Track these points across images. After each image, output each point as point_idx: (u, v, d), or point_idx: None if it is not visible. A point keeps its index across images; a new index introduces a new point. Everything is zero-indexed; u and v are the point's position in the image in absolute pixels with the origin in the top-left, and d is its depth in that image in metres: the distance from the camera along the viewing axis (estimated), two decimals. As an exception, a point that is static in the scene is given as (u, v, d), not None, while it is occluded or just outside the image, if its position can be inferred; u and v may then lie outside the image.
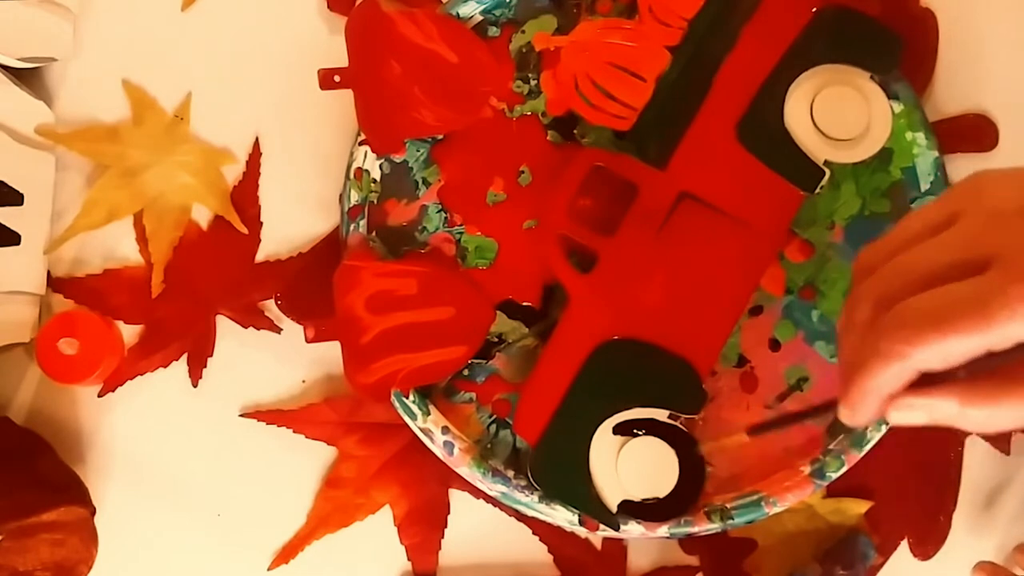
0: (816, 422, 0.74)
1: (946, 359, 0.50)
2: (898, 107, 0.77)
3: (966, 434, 0.79)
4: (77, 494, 0.78)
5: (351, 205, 0.79)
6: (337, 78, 0.78)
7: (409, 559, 0.80)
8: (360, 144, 0.79)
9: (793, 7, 0.77)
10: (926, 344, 0.50)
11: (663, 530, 0.75)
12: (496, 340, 0.79)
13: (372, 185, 0.79)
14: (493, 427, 0.78)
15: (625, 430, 0.73)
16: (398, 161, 0.80)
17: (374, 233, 0.80)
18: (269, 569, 0.80)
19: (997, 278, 0.49)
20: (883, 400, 0.53)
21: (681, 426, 0.74)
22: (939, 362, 0.50)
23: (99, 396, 0.81)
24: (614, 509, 0.73)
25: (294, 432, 0.80)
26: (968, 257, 0.50)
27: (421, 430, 0.77)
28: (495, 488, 0.76)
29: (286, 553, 0.80)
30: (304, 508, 0.81)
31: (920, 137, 0.77)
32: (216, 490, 0.81)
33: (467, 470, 0.76)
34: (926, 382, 0.52)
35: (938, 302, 0.50)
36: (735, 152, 0.76)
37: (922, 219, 0.54)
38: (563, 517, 0.76)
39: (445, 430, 0.76)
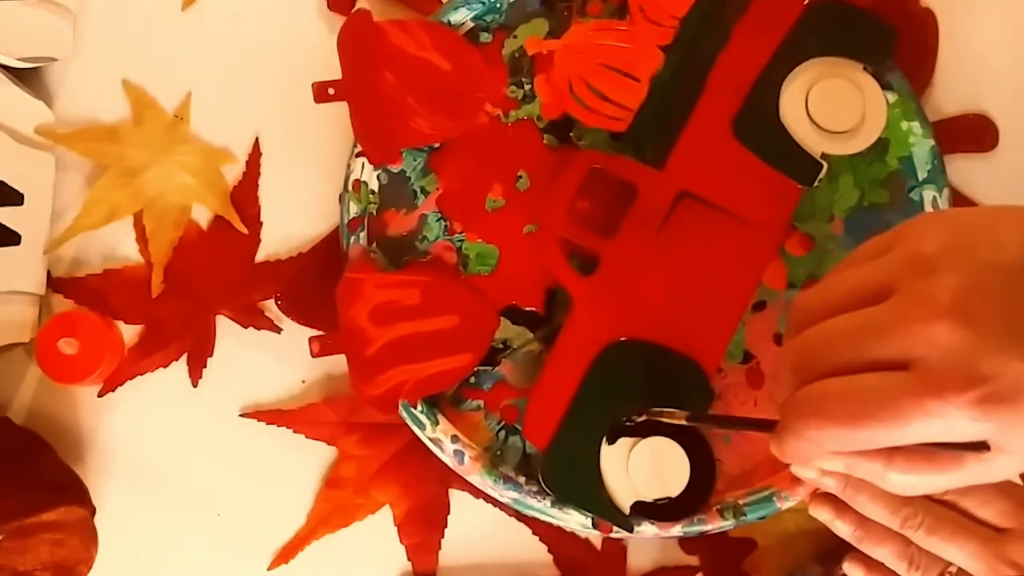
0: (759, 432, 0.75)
1: (854, 447, 0.50)
2: (892, 97, 0.77)
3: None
4: (77, 494, 0.78)
5: (350, 217, 0.79)
6: (331, 91, 0.78)
7: (409, 559, 0.80)
8: (357, 155, 0.79)
9: (784, 1, 0.77)
10: (838, 436, 0.50)
11: (676, 529, 0.75)
12: (501, 346, 0.79)
13: (371, 196, 0.79)
14: (502, 434, 0.78)
15: (634, 431, 0.73)
16: (395, 171, 0.80)
17: (375, 244, 0.80)
18: (269, 569, 0.80)
19: (917, 384, 0.48)
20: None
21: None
22: (848, 448, 0.50)
23: (99, 396, 0.81)
24: (627, 511, 0.73)
25: (294, 432, 0.81)
26: (892, 352, 0.50)
27: (430, 440, 0.76)
28: (507, 494, 0.76)
29: (286, 553, 0.80)
30: (304, 508, 0.81)
31: (916, 126, 0.77)
32: (216, 490, 0.81)
33: (478, 478, 0.76)
34: None
35: (856, 396, 0.50)
36: (732, 149, 0.76)
37: (856, 281, 0.53)
38: (576, 521, 0.76)
39: (455, 439, 0.76)
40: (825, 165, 0.76)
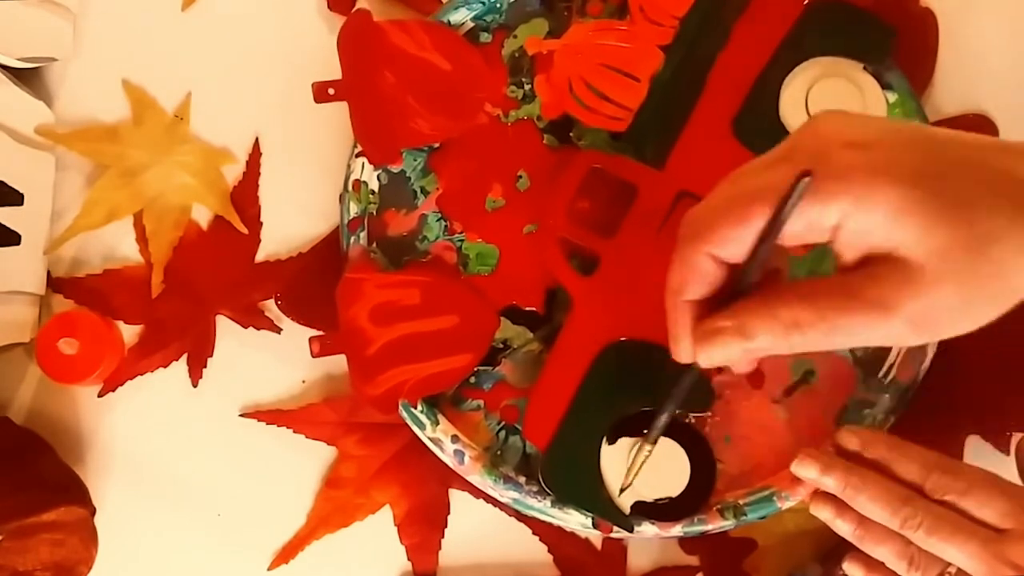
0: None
1: (743, 240, 0.51)
2: (892, 97, 0.77)
3: (966, 435, 0.79)
4: (77, 494, 0.78)
5: (351, 217, 0.79)
6: (331, 91, 0.78)
7: (409, 559, 0.80)
8: (357, 156, 0.79)
9: (784, 1, 0.77)
10: (717, 226, 0.51)
11: (677, 529, 0.75)
12: (501, 346, 0.79)
13: (371, 196, 0.79)
14: (502, 434, 0.78)
15: (634, 431, 0.73)
16: (395, 171, 0.80)
17: (375, 244, 0.80)
18: (269, 569, 0.80)
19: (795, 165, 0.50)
20: (693, 322, 0.55)
21: (691, 424, 0.74)
22: (736, 246, 0.51)
23: (99, 396, 0.81)
24: (627, 511, 0.73)
25: (294, 432, 0.81)
26: (775, 158, 0.52)
27: (431, 440, 0.77)
28: (507, 494, 0.76)
29: (286, 553, 0.80)
30: (304, 508, 0.81)
31: (915, 125, 0.78)
32: (216, 490, 0.81)
33: (478, 478, 0.76)
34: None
35: (732, 191, 0.52)
36: (732, 148, 0.76)
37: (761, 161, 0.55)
38: (576, 521, 0.76)
39: (455, 439, 0.76)
40: (825, 164, 0.76)
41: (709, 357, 0.55)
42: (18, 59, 0.79)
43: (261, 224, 0.83)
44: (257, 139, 0.83)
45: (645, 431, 0.72)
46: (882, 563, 0.64)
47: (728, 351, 0.54)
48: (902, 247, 0.49)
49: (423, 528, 0.80)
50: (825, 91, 0.76)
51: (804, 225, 0.50)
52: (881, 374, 0.77)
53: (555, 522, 0.76)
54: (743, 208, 0.51)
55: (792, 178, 0.49)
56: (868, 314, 0.50)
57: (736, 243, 0.52)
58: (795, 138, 0.53)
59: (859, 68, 0.76)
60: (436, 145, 0.80)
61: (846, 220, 0.49)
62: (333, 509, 0.80)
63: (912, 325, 0.51)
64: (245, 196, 0.83)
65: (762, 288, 0.54)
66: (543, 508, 0.76)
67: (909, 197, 0.48)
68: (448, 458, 0.76)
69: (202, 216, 0.83)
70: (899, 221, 0.48)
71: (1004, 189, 0.49)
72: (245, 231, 0.82)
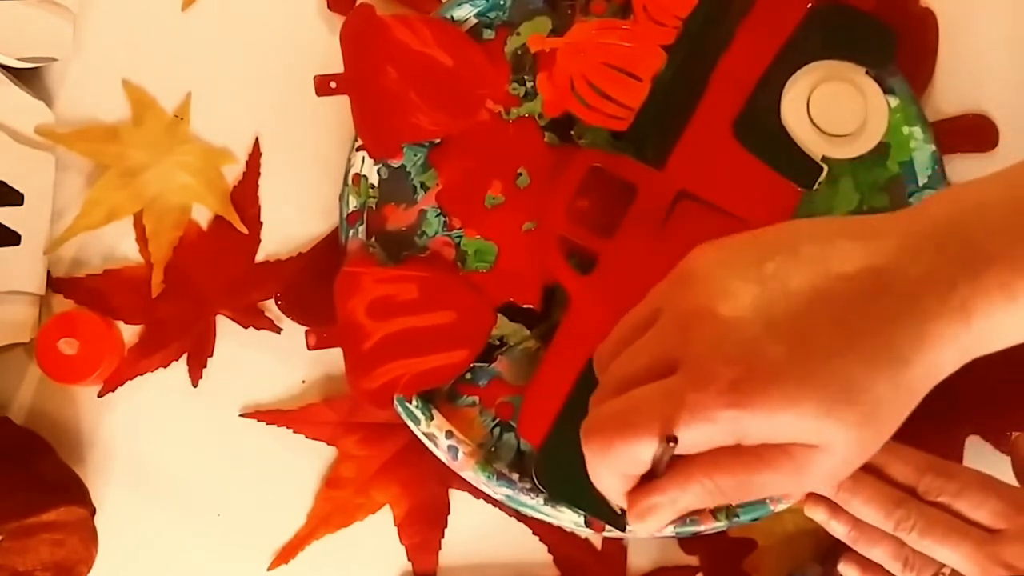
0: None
1: (642, 463, 0.50)
2: (894, 101, 0.77)
3: (966, 434, 0.79)
4: (77, 494, 0.78)
5: (350, 211, 0.79)
6: (333, 84, 0.78)
7: (409, 559, 0.80)
8: (357, 150, 0.79)
9: (788, 4, 0.77)
10: (613, 451, 0.50)
11: (669, 529, 0.75)
12: (498, 343, 0.79)
13: (370, 190, 0.79)
14: (497, 430, 0.78)
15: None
16: (396, 166, 0.80)
17: (373, 239, 0.80)
18: (269, 569, 0.80)
19: (679, 382, 0.49)
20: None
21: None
22: (637, 466, 0.51)
23: (99, 396, 0.81)
24: (619, 510, 0.73)
25: (294, 432, 0.81)
26: (656, 361, 0.51)
27: (425, 435, 0.77)
28: (500, 491, 0.76)
29: (286, 553, 0.80)
30: (304, 508, 0.81)
31: (917, 131, 0.78)
32: (216, 490, 0.81)
33: (472, 474, 0.76)
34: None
35: (620, 409, 0.51)
36: (732, 150, 0.76)
37: (631, 317, 0.55)
38: (569, 519, 0.76)
39: (449, 434, 0.76)
40: (825, 168, 0.76)
41: (648, 528, 0.54)
42: (18, 59, 0.79)
43: (261, 224, 0.83)
44: (257, 139, 0.83)
45: None
46: (878, 564, 0.64)
47: (664, 518, 0.53)
48: (805, 439, 0.49)
49: (423, 528, 0.80)
50: (827, 94, 0.76)
51: (706, 444, 0.50)
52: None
53: (548, 520, 0.77)
54: (626, 436, 0.50)
55: (662, 416, 0.49)
56: (786, 478, 0.50)
57: (634, 464, 0.51)
58: (671, 318, 0.52)
59: (861, 72, 0.77)
60: (437, 141, 0.80)
61: (745, 436, 0.49)
62: (333, 509, 0.80)
63: (828, 480, 0.51)
64: (245, 196, 0.83)
65: (681, 459, 0.52)
66: (536, 506, 0.76)
67: (797, 410, 0.48)
68: (442, 454, 0.76)
69: (202, 216, 0.83)
70: (796, 427, 0.48)
71: (858, 332, 0.48)
72: (245, 231, 0.82)
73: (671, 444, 0.49)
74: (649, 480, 0.52)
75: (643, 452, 0.50)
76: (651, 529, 0.54)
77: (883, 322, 0.48)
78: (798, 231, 0.52)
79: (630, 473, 0.52)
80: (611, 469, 0.52)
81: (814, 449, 0.49)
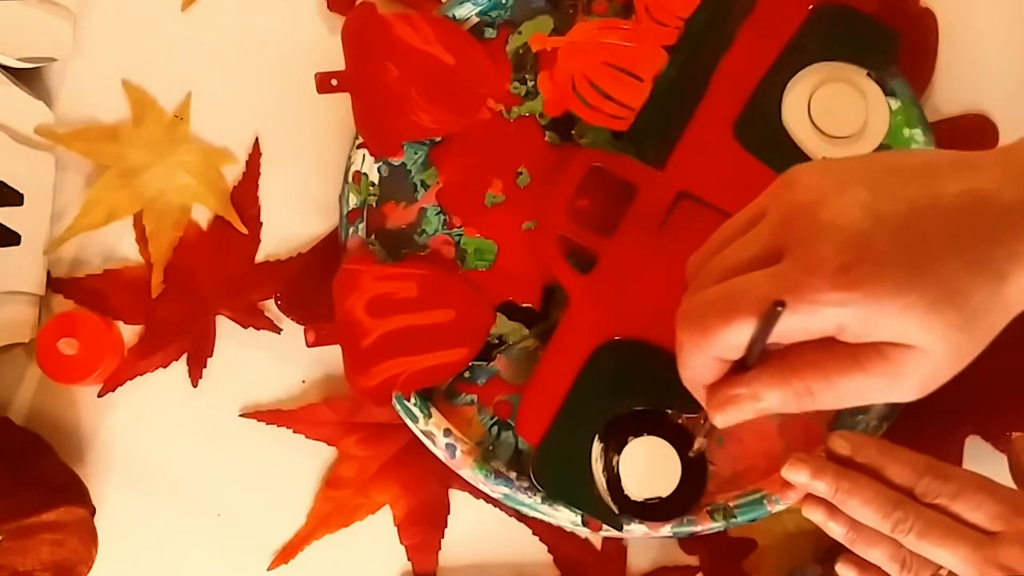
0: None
1: (738, 346, 0.51)
2: (895, 103, 0.77)
3: (965, 435, 0.79)
4: (77, 494, 0.78)
5: (350, 208, 0.79)
6: (334, 82, 0.78)
7: (409, 559, 0.80)
8: (358, 147, 0.79)
9: (790, 5, 0.77)
10: (711, 332, 0.52)
11: (666, 530, 0.75)
12: (497, 342, 0.79)
13: (371, 188, 0.79)
14: (495, 429, 0.78)
15: (626, 430, 0.73)
16: (396, 164, 0.80)
17: (373, 236, 0.80)
18: (269, 569, 0.80)
19: (786, 267, 0.50)
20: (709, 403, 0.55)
21: (683, 424, 0.74)
22: (733, 350, 0.52)
23: (99, 396, 0.81)
24: (617, 509, 0.73)
25: (294, 432, 0.81)
26: (763, 251, 0.52)
27: (423, 433, 0.77)
28: (498, 490, 0.76)
29: (286, 553, 0.80)
30: (304, 508, 0.81)
31: (917, 133, 0.77)
32: (216, 490, 0.81)
33: (469, 472, 0.76)
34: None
35: (723, 292, 0.52)
36: (733, 151, 0.76)
37: (735, 221, 0.56)
38: (566, 518, 0.76)
39: (447, 432, 0.76)
40: (826, 170, 0.76)
41: (724, 420, 0.56)
42: (18, 59, 0.79)
43: (261, 224, 0.83)
44: (257, 139, 0.83)
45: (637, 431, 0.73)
46: (876, 565, 0.65)
47: (742, 414, 0.55)
48: (904, 339, 0.50)
49: (423, 528, 0.80)
50: (828, 96, 0.76)
51: (803, 332, 0.51)
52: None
53: (545, 519, 0.77)
54: (727, 317, 0.51)
55: (769, 297, 0.50)
56: (878, 382, 0.52)
57: (730, 348, 0.52)
58: (779, 213, 0.53)
59: (863, 74, 0.77)
60: (437, 139, 0.80)
61: (845, 327, 0.51)
62: (333, 509, 0.80)
63: (919, 389, 0.52)
64: (245, 196, 0.83)
65: (772, 355, 0.54)
66: (533, 504, 0.76)
67: (903, 302, 0.49)
68: (440, 452, 0.76)
69: (202, 216, 0.83)
70: (899, 322, 0.50)
71: (961, 239, 0.50)
72: (245, 231, 0.82)
73: (778, 309, 0.49)
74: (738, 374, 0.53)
75: (741, 335, 0.51)
76: (727, 421, 0.55)
77: (985, 236, 0.50)
78: (899, 155, 0.55)
79: (725, 357, 0.53)
80: (706, 353, 0.53)
81: (911, 350, 0.50)
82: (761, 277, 0.51)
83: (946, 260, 0.50)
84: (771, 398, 0.54)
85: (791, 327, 0.50)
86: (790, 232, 0.51)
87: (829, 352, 0.52)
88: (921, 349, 0.50)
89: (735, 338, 0.51)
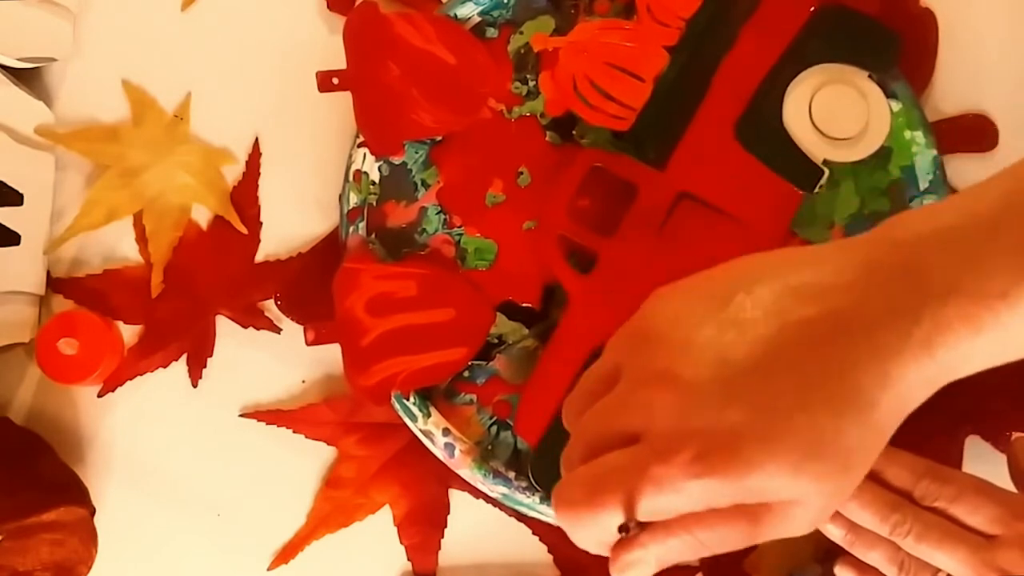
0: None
1: (610, 529, 0.50)
2: (896, 106, 0.77)
3: (965, 435, 0.79)
4: (77, 494, 0.78)
5: (350, 207, 0.79)
6: (335, 80, 0.78)
7: (409, 559, 0.80)
8: (359, 146, 0.79)
9: (791, 6, 0.77)
10: (584, 521, 0.50)
11: (663, 530, 0.75)
12: (496, 341, 0.79)
13: (371, 187, 0.79)
14: (494, 428, 0.78)
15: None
16: (397, 163, 0.80)
17: (373, 235, 0.80)
18: (269, 569, 0.80)
19: (644, 453, 0.49)
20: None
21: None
22: (604, 533, 0.50)
23: (99, 396, 0.81)
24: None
25: (294, 432, 0.81)
26: (621, 430, 0.50)
27: (422, 432, 0.77)
28: (496, 489, 0.76)
29: (286, 553, 0.80)
30: (304, 508, 0.81)
31: (919, 136, 0.77)
32: (216, 490, 0.81)
33: (468, 472, 0.76)
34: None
35: (587, 477, 0.51)
36: (734, 152, 0.76)
37: (595, 372, 0.54)
38: (564, 517, 0.76)
39: (446, 432, 0.76)
40: (826, 171, 0.76)
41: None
42: (18, 59, 0.79)
43: (261, 224, 0.83)
44: (257, 139, 0.83)
45: None
46: (874, 567, 0.65)
47: (647, 571, 0.52)
48: (779, 497, 0.48)
49: (423, 528, 0.80)
50: (829, 97, 0.76)
51: (674, 511, 0.49)
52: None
53: (544, 518, 0.77)
54: (593, 506, 0.50)
55: (629, 486, 0.49)
56: (768, 530, 0.49)
57: (603, 531, 0.51)
58: (631, 381, 0.51)
59: (864, 76, 0.77)
60: (438, 138, 0.80)
61: (716, 501, 0.48)
62: (333, 509, 0.80)
63: (810, 526, 0.50)
64: (245, 196, 0.83)
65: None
66: (532, 504, 0.76)
67: (767, 471, 0.47)
68: (439, 451, 0.77)
69: (202, 216, 0.83)
70: (769, 488, 0.48)
71: (822, 386, 0.48)
72: (245, 231, 0.82)
73: (632, 523, 0.49)
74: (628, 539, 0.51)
75: (611, 522, 0.49)
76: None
77: (844, 367, 0.47)
78: (752, 272, 0.51)
79: (603, 539, 0.51)
80: (586, 536, 0.51)
81: (792, 503, 0.48)
82: (620, 464, 0.50)
83: (804, 411, 0.47)
84: (668, 554, 0.51)
85: (660, 509, 0.49)
86: (642, 410, 0.50)
87: (715, 509, 0.50)
88: (799, 502, 0.48)
89: (605, 525, 0.50)
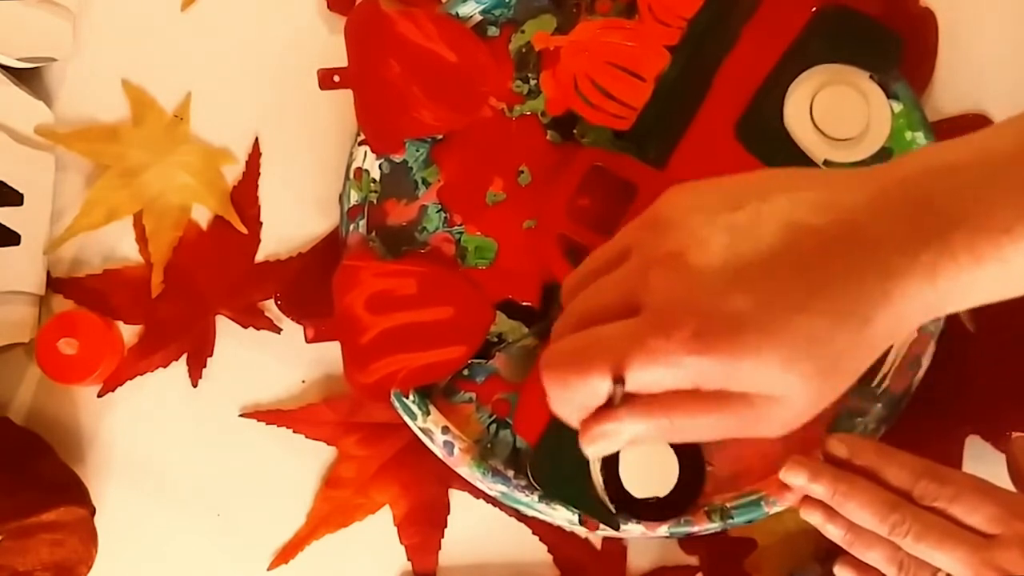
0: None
1: (598, 396, 0.51)
2: (897, 107, 0.77)
3: (965, 435, 0.79)
4: (77, 494, 0.78)
5: (351, 205, 0.79)
6: (337, 78, 0.78)
7: (409, 559, 0.80)
8: (360, 144, 0.79)
9: (793, 7, 0.77)
10: (568, 385, 0.51)
11: (663, 530, 0.75)
12: (496, 340, 0.79)
13: (372, 185, 0.80)
14: (493, 427, 0.78)
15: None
16: (398, 161, 0.80)
17: (374, 233, 0.80)
18: (269, 569, 0.80)
19: (640, 325, 0.50)
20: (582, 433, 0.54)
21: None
22: (594, 399, 0.51)
23: (99, 396, 0.81)
24: (614, 509, 0.73)
25: (294, 432, 0.81)
26: (621, 299, 0.51)
27: (421, 430, 0.77)
28: (495, 488, 0.76)
29: (286, 553, 0.80)
30: (304, 508, 0.81)
31: (920, 137, 0.77)
32: (216, 490, 0.81)
33: (467, 470, 0.76)
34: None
35: (580, 344, 0.52)
36: (734, 151, 0.76)
37: (603, 252, 0.55)
38: (563, 517, 0.76)
39: (445, 430, 0.76)
40: (826, 172, 0.76)
41: (595, 451, 0.55)
42: (18, 59, 0.79)
43: (261, 224, 0.83)
44: (257, 139, 0.83)
45: None
46: (873, 567, 0.65)
47: (612, 446, 0.54)
48: (762, 389, 0.50)
49: (423, 528, 0.80)
50: (830, 98, 0.76)
51: (660, 385, 0.50)
52: (874, 384, 0.76)
53: (542, 517, 0.77)
54: (583, 372, 0.51)
55: (623, 355, 0.49)
56: (740, 422, 0.51)
57: (590, 397, 0.52)
58: (639, 260, 0.52)
59: (865, 77, 0.77)
60: (439, 136, 0.80)
61: (702, 383, 0.50)
62: (333, 509, 0.80)
63: (781, 429, 0.51)
64: (245, 196, 0.83)
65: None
66: (531, 503, 0.76)
67: (758, 360, 0.48)
68: (438, 449, 0.77)
69: (202, 216, 0.83)
70: (755, 378, 0.49)
71: (824, 290, 0.49)
72: (245, 231, 0.82)
73: (619, 386, 0.50)
74: (606, 409, 0.52)
75: (598, 387, 0.50)
76: (598, 453, 0.55)
77: (848, 277, 0.48)
78: (771, 179, 0.53)
79: (587, 405, 0.52)
80: (568, 401, 0.52)
81: (772, 398, 0.49)
82: (617, 333, 0.51)
83: (804, 311, 0.48)
84: (638, 431, 0.52)
85: (647, 381, 0.50)
86: (648, 285, 0.50)
87: (694, 392, 0.51)
88: (780, 399, 0.49)
89: (592, 391, 0.51)
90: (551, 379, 0.52)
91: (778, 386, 0.49)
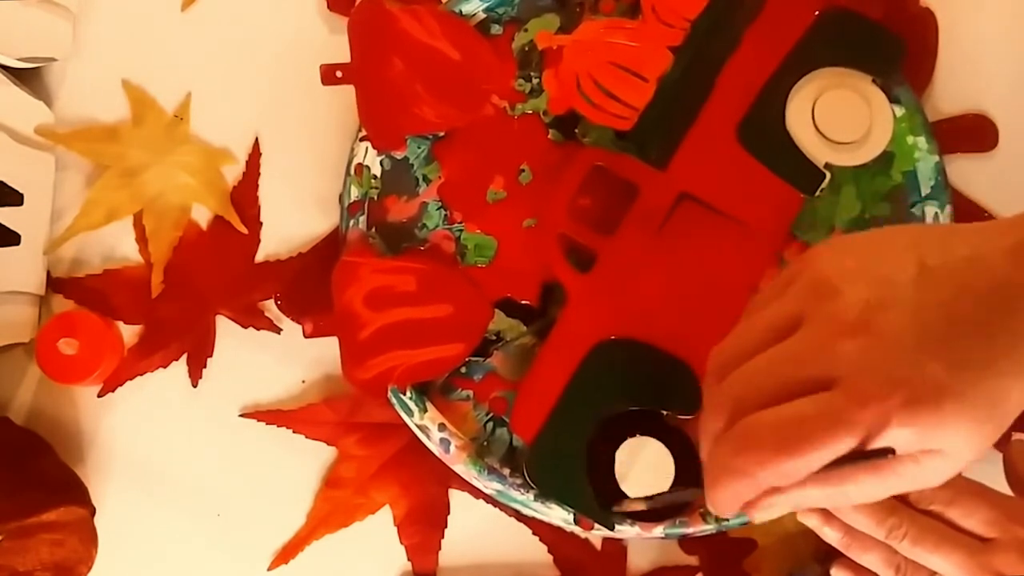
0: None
1: (792, 477, 0.50)
2: (900, 111, 0.77)
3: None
4: (77, 494, 0.78)
5: (351, 201, 0.79)
6: (339, 73, 0.78)
7: (409, 559, 0.80)
8: (361, 140, 0.79)
9: (796, 10, 0.77)
10: (774, 466, 0.50)
11: (658, 530, 0.75)
12: (494, 338, 0.79)
13: (372, 181, 0.80)
14: (490, 425, 0.79)
15: (621, 430, 0.73)
16: (399, 158, 0.80)
17: (374, 229, 0.80)
18: (269, 569, 0.80)
19: (841, 400, 0.49)
20: (743, 504, 0.53)
21: (678, 426, 0.74)
22: (785, 480, 0.51)
23: (99, 396, 0.81)
24: (608, 508, 0.73)
25: (294, 432, 0.80)
26: (813, 375, 0.50)
27: (418, 427, 0.77)
28: (491, 486, 0.76)
29: (286, 553, 0.80)
30: (304, 508, 0.81)
31: (921, 141, 0.77)
32: (216, 490, 0.81)
33: (463, 467, 0.76)
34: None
35: (785, 424, 0.50)
36: (736, 153, 0.76)
37: (767, 320, 0.54)
38: (559, 516, 0.76)
39: (442, 427, 0.76)
40: (828, 175, 0.76)
41: (762, 518, 0.55)
42: (18, 59, 0.79)
43: (261, 224, 0.83)
44: (257, 139, 0.83)
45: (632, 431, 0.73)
46: (871, 570, 0.65)
47: (776, 514, 0.54)
48: (939, 447, 0.50)
49: (423, 528, 0.80)
50: (832, 101, 0.76)
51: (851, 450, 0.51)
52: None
53: (538, 516, 0.77)
54: (788, 454, 0.50)
55: (833, 433, 0.49)
56: (904, 482, 0.51)
57: (781, 479, 0.51)
58: (820, 330, 0.51)
59: (868, 80, 0.77)
60: (441, 134, 0.80)
61: (893, 447, 0.50)
62: (333, 509, 0.80)
63: (942, 481, 0.51)
64: (245, 196, 0.83)
65: None
66: (526, 501, 0.76)
67: (956, 425, 0.49)
68: (434, 446, 0.77)
69: (202, 216, 0.83)
70: (945, 440, 0.49)
71: (997, 346, 0.49)
72: (245, 231, 0.82)
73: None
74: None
75: (799, 470, 0.50)
76: (766, 518, 0.54)
77: (1016, 334, 0.49)
78: (923, 240, 0.52)
79: (772, 486, 0.52)
80: (755, 483, 0.52)
81: (939, 454, 0.49)
82: (816, 412, 0.50)
83: (993, 375, 0.49)
84: (807, 501, 0.52)
85: (843, 448, 0.49)
86: (838, 356, 0.50)
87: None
88: (946, 453, 0.49)
89: (790, 472, 0.50)
90: (752, 464, 0.51)
91: (955, 446, 0.49)
